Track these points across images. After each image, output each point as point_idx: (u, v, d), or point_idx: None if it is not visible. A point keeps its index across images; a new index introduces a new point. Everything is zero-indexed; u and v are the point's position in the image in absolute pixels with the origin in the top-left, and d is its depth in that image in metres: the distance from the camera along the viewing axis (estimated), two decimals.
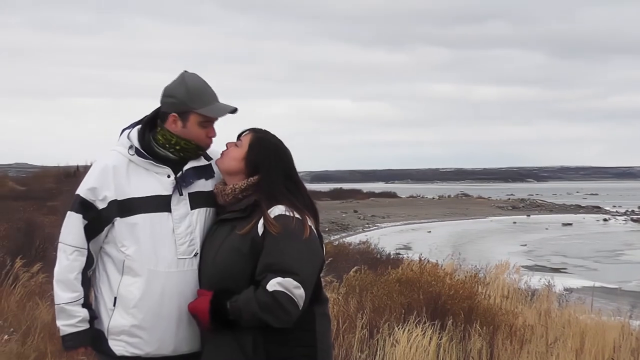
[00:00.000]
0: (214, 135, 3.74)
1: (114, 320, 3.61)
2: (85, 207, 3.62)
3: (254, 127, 3.77)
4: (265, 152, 3.68)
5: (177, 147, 3.70)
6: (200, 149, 3.74)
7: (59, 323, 3.62)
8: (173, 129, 3.70)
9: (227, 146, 3.74)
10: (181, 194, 3.67)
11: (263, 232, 3.50)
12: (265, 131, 3.76)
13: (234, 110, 3.72)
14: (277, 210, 3.54)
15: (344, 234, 44.55)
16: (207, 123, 3.70)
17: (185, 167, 3.71)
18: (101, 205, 3.61)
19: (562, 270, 31.88)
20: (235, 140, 3.77)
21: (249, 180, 3.64)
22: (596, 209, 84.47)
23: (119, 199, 3.61)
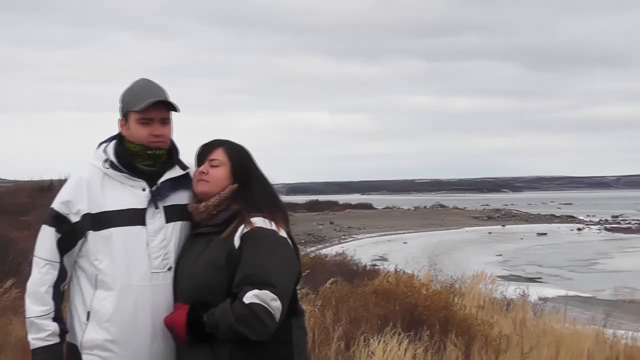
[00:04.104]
0: (160, 133, 3.66)
1: (88, 335, 3.58)
2: (58, 220, 3.60)
3: (212, 140, 3.74)
4: (246, 159, 3.72)
5: (132, 153, 3.67)
6: (148, 149, 3.66)
7: (29, 337, 3.59)
8: (125, 134, 3.70)
9: (203, 171, 3.67)
10: (156, 207, 3.66)
11: (240, 245, 3.51)
12: (227, 140, 3.76)
13: (163, 102, 3.65)
14: (254, 221, 3.55)
15: (320, 246, 44.44)
16: (147, 120, 3.65)
17: (161, 180, 3.69)
18: (74, 218, 3.59)
19: (537, 279, 31.99)
20: (194, 162, 3.75)
21: (221, 195, 3.63)
22: (570, 219, 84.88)
23: (92, 212, 3.59)
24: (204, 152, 3.72)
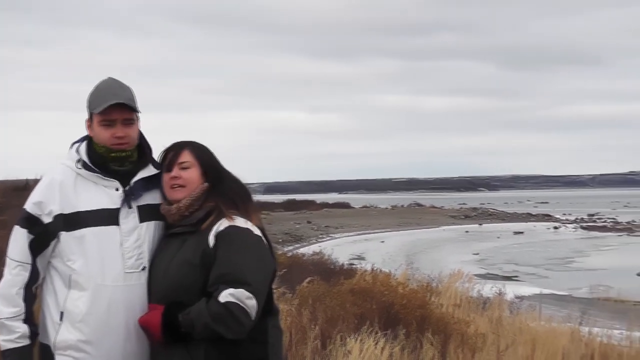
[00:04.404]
0: (122, 134, 3.62)
1: (61, 335, 3.55)
2: (30, 221, 3.57)
3: (174, 143, 3.72)
4: (212, 157, 3.72)
5: (101, 154, 3.64)
6: (111, 152, 3.63)
7: (0, 338, 3.56)
8: (91, 134, 3.68)
9: (175, 176, 3.64)
10: (130, 207, 3.64)
11: (214, 244, 3.51)
12: (189, 140, 3.74)
13: (119, 104, 3.59)
14: (227, 221, 3.55)
15: (297, 245, 44.37)
16: (108, 122, 3.61)
17: (134, 179, 3.67)
18: (47, 219, 3.57)
19: (513, 278, 32.09)
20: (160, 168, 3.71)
21: (192, 195, 3.62)
22: (547, 217, 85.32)
23: (65, 212, 3.56)
24: (169, 157, 3.69)
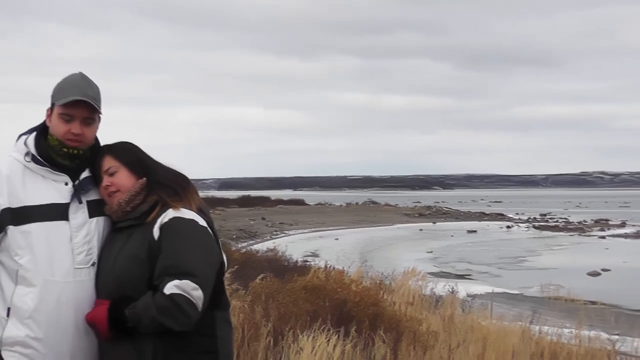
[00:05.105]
0: (78, 132, 3.57)
1: (8, 331, 3.49)
2: None
3: (93, 153, 3.67)
4: (135, 152, 3.69)
5: (50, 146, 3.58)
6: (64, 147, 3.58)
7: None
8: (48, 124, 3.63)
9: (107, 185, 3.61)
10: (80, 202, 3.59)
11: (159, 236, 3.48)
12: (107, 144, 3.72)
13: (82, 101, 3.55)
14: (172, 212, 3.53)
15: (251, 242, 44.25)
16: (68, 117, 3.57)
17: (83, 175, 3.63)
18: None
19: (466, 276, 32.32)
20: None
21: (130, 191, 3.59)
22: (500, 217, 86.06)
23: (12, 206, 3.50)
24: (95, 168, 3.65)
